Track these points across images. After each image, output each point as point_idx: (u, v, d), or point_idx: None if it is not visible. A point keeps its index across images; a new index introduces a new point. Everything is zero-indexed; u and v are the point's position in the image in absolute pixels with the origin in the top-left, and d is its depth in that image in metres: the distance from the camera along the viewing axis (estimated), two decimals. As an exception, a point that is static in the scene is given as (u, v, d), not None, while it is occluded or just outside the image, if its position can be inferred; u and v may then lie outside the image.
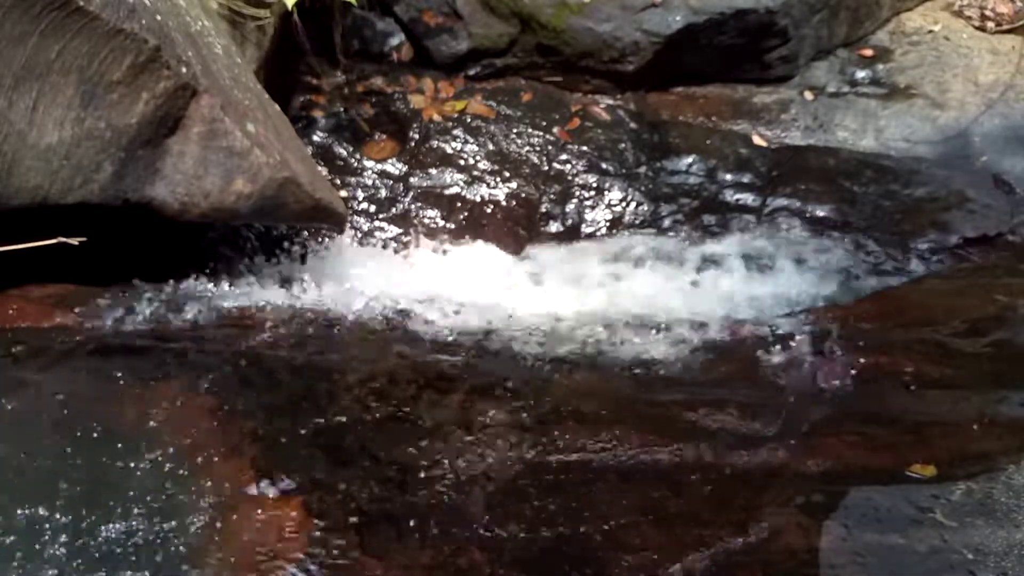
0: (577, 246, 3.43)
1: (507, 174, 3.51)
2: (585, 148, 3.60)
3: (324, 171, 3.37)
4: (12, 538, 1.57)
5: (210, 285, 2.60)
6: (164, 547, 1.60)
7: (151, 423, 1.87)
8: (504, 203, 3.46)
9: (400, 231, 3.37)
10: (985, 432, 2.03)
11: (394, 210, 3.39)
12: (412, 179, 3.45)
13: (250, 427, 1.92)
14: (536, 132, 3.61)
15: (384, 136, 3.53)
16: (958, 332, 2.57)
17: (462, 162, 3.51)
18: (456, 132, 3.56)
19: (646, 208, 3.52)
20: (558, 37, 3.66)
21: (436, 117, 3.57)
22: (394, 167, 3.47)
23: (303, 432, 1.96)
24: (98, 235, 2.14)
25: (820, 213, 3.53)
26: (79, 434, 1.80)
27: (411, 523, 1.73)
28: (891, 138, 3.77)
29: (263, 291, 2.67)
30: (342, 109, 3.54)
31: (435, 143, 3.52)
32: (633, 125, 3.72)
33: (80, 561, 1.55)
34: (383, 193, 3.42)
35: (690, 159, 3.64)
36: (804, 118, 3.85)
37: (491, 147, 3.55)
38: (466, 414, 2.10)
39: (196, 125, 2.28)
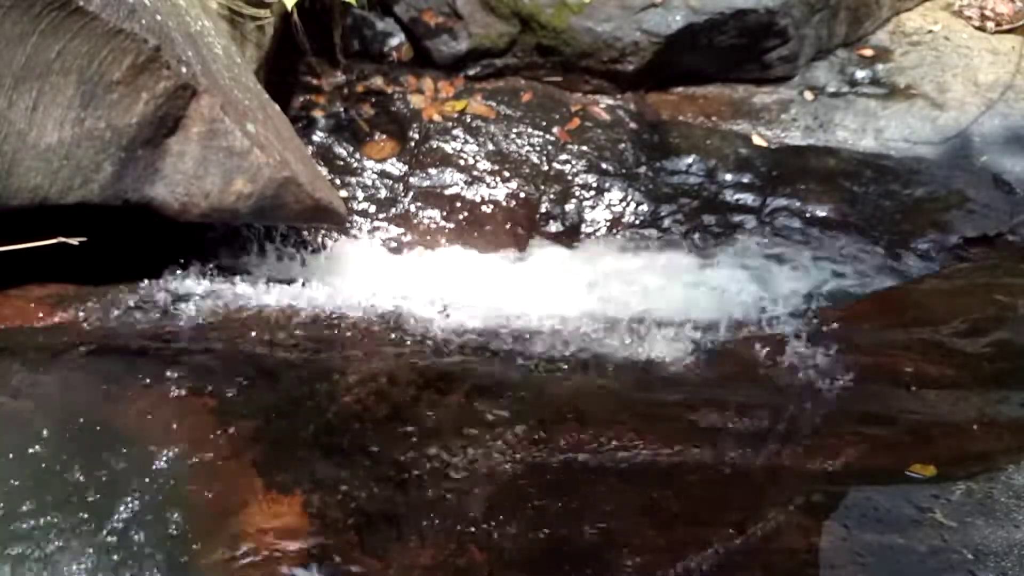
0: (577, 246, 3.43)
1: (507, 174, 3.51)
2: (585, 148, 3.60)
3: (324, 171, 3.36)
4: (10, 538, 1.57)
5: (210, 285, 2.60)
6: (163, 547, 1.60)
7: (151, 423, 1.87)
8: (504, 203, 3.46)
9: (400, 231, 3.37)
10: (985, 432, 2.03)
11: (394, 210, 3.39)
12: (412, 179, 3.45)
13: (250, 427, 1.92)
14: (536, 132, 3.61)
15: (384, 136, 3.53)
16: (958, 332, 2.57)
17: (462, 162, 3.51)
18: (456, 132, 3.56)
19: (646, 208, 3.52)
20: (558, 37, 3.66)
21: (436, 117, 3.57)
22: (394, 167, 3.47)
23: (303, 432, 1.96)
24: (98, 235, 2.13)
25: (820, 213, 3.53)
26: (78, 434, 1.80)
27: (411, 523, 1.73)
28: (891, 138, 3.77)
29: (263, 291, 2.67)
30: (342, 109, 3.54)
31: (435, 143, 3.52)
32: (633, 125, 3.72)
33: (79, 562, 1.55)
34: (383, 193, 3.42)
35: (690, 159, 3.64)
36: (804, 118, 3.85)
37: (491, 147, 3.55)
38: (466, 414, 2.10)
39: (196, 125, 2.28)
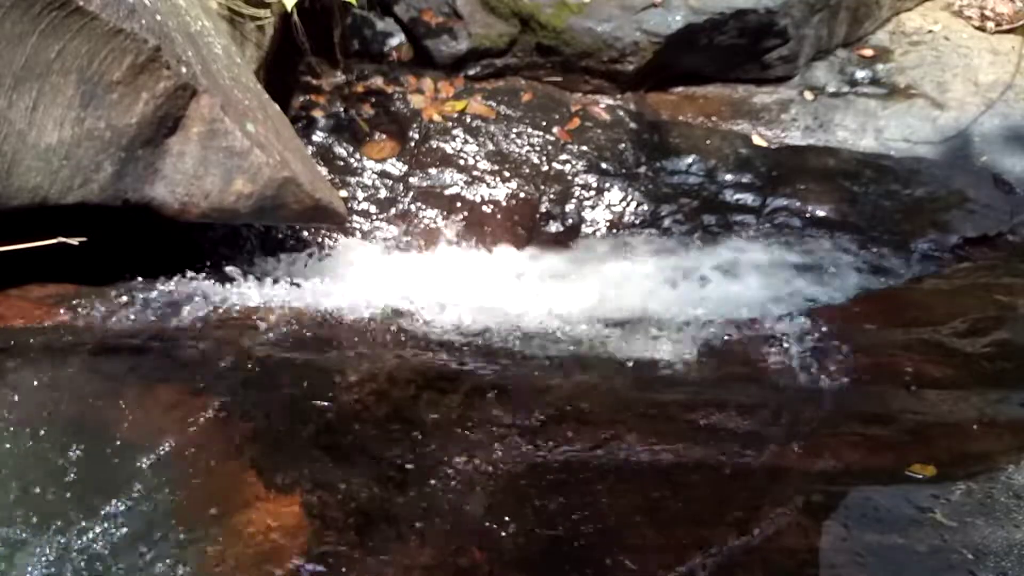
0: (577, 246, 3.43)
1: (507, 174, 3.51)
2: (585, 148, 3.60)
3: (324, 171, 3.37)
4: (11, 538, 1.57)
5: (210, 285, 2.60)
6: (164, 547, 1.60)
7: (150, 423, 1.87)
8: (504, 203, 3.46)
9: (400, 231, 3.37)
10: (985, 432, 2.03)
11: (394, 210, 3.40)
12: (412, 179, 3.45)
13: (250, 427, 1.92)
14: (536, 132, 3.61)
15: (384, 136, 3.53)
16: (958, 332, 2.57)
17: (462, 162, 3.51)
18: (456, 132, 3.56)
19: (646, 208, 3.52)
20: (558, 37, 3.66)
21: (436, 117, 3.57)
22: (394, 167, 3.47)
23: (303, 432, 1.96)
24: (98, 235, 2.13)
25: (820, 213, 3.53)
26: (78, 434, 1.80)
27: (411, 523, 1.73)
28: (891, 138, 3.77)
29: (263, 291, 2.67)
30: (342, 109, 3.55)
31: (435, 143, 3.52)
32: (633, 125, 3.72)
33: (79, 561, 1.55)
34: (383, 193, 3.42)
35: (690, 159, 3.65)
36: (804, 118, 3.85)
37: (491, 147, 3.55)
38: (466, 414, 2.10)
39: (196, 125, 2.28)
